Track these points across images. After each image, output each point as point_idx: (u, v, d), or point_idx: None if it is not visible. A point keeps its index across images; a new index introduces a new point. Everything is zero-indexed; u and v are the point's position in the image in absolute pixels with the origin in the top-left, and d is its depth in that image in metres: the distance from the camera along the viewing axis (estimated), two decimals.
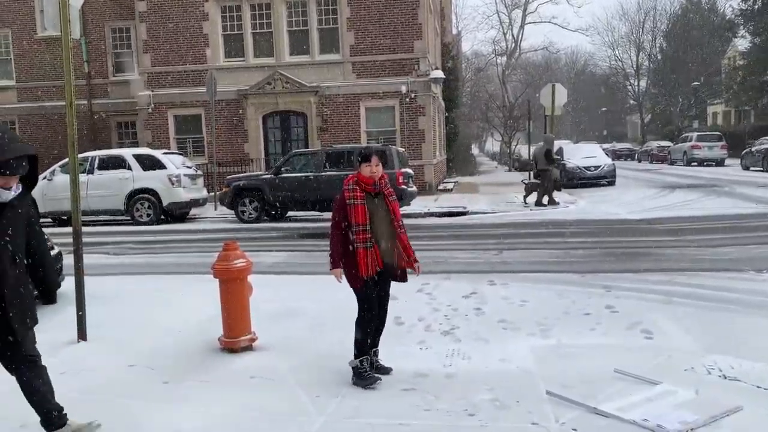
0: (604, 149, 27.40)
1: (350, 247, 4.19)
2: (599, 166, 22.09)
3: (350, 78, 20.25)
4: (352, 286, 4.30)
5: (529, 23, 49.76)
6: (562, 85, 20.09)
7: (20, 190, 3.28)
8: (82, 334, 5.42)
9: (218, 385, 4.39)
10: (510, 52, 47.71)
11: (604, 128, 70.04)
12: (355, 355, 4.33)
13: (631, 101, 64.07)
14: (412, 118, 20.10)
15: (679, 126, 48.81)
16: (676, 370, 4.25)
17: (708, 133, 34.72)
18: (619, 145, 52.44)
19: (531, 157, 19.26)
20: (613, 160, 24.62)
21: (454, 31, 44.18)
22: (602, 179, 21.88)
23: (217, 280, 5.02)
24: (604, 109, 66.63)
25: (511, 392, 4.01)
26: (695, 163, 31.61)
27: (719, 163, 31.03)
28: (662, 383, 3.95)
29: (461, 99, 38.80)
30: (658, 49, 57.05)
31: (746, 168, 26.61)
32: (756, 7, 38.39)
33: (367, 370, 4.32)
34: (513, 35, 47.96)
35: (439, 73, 20.50)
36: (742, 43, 43.68)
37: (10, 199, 3.23)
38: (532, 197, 15.96)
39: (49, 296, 3.58)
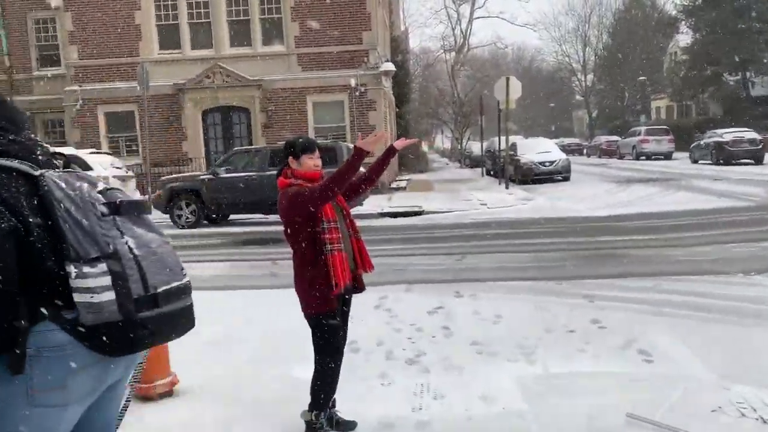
0: None
1: (316, 256, 3.15)
2: (554, 161, 21.69)
3: (296, 71, 19.14)
4: (314, 311, 3.19)
5: (478, 18, 49.29)
6: (516, 79, 19.49)
7: None
8: None
9: None
10: (459, 48, 47.21)
11: (551, 123, 70.73)
12: (310, 406, 3.31)
13: (578, 96, 64.79)
14: (362, 113, 19.14)
15: (626, 120, 49.41)
16: (700, 410, 3.45)
17: (656, 127, 35.05)
18: (567, 140, 52.84)
19: None
20: None
21: (402, 27, 43.35)
22: (557, 174, 21.49)
23: None
24: (551, 104, 67.21)
25: None
26: (644, 157, 31.75)
27: (667, 156, 31.25)
28: None
29: (411, 95, 38.01)
30: (603, 45, 57.77)
31: (695, 161, 26.77)
32: (697, 2, 38.94)
33: (323, 427, 3.35)
34: (462, 30, 47.45)
35: (390, 66, 19.61)
36: (684, 38, 44.39)
37: None
38: None
39: None
